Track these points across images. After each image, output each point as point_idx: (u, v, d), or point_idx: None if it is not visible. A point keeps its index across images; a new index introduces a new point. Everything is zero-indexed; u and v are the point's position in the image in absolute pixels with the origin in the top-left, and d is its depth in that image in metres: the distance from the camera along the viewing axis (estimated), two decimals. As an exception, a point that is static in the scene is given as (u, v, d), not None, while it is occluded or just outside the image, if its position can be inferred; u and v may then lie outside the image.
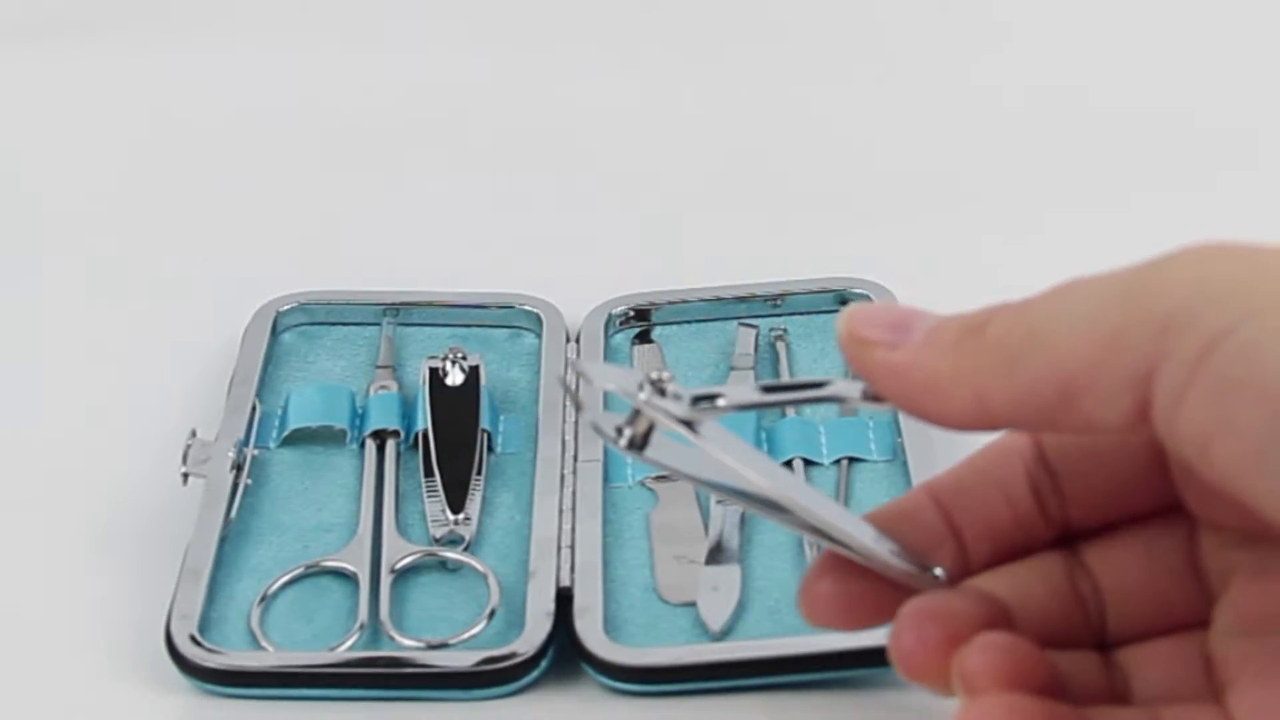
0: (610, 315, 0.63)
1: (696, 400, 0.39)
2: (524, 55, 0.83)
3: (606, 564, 0.53)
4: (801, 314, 0.63)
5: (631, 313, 0.63)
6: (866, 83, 0.81)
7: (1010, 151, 0.75)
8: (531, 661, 0.50)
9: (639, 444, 0.39)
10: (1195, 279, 0.33)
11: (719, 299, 0.64)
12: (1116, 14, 0.83)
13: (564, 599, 0.52)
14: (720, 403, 0.39)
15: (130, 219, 0.73)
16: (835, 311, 0.63)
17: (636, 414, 0.39)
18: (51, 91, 0.81)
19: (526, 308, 0.63)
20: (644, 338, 0.63)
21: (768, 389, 0.43)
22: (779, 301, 0.63)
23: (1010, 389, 0.35)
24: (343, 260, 0.69)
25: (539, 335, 0.63)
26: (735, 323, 0.63)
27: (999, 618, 0.39)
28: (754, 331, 0.62)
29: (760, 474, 0.39)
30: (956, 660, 0.37)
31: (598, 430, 0.40)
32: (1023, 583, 0.40)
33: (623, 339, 0.63)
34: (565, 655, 0.51)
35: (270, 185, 0.75)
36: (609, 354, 0.62)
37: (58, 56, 0.83)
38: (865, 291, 0.63)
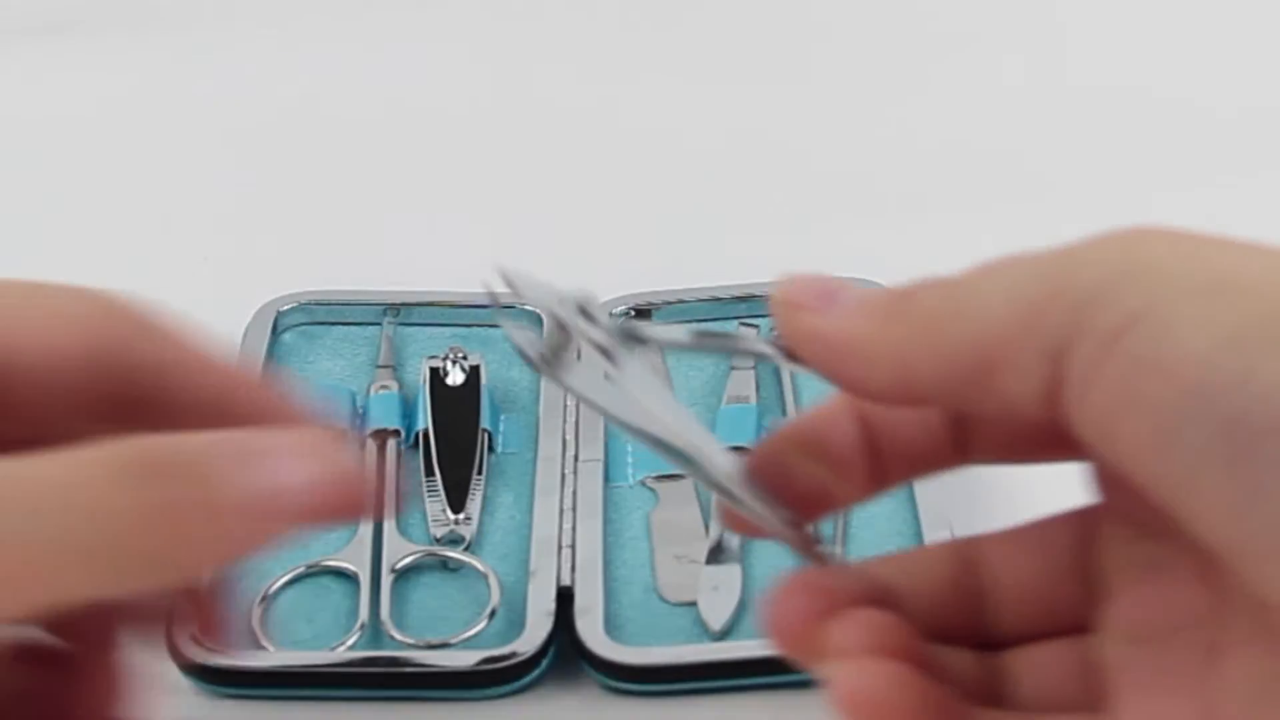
0: (610, 315, 0.63)
1: (622, 327, 0.38)
2: (525, 56, 0.83)
3: (607, 564, 0.53)
4: (801, 314, 0.63)
5: (631, 313, 0.63)
6: (867, 84, 0.81)
7: (1012, 151, 0.75)
8: (532, 661, 0.50)
9: (549, 360, 0.39)
10: (1120, 258, 0.33)
11: (719, 299, 0.64)
12: (1118, 13, 0.83)
13: (564, 599, 0.52)
14: (645, 333, 0.38)
15: (130, 219, 0.73)
16: (836, 311, 0.63)
17: (557, 331, 0.39)
18: (52, 91, 0.81)
19: (527, 307, 0.63)
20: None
21: (700, 335, 0.42)
22: (779, 301, 0.63)
23: (932, 359, 0.35)
24: (343, 260, 0.69)
25: (539, 335, 0.62)
26: (735, 323, 0.63)
27: (881, 599, 0.38)
28: (754, 331, 0.62)
29: (670, 421, 0.38)
30: (827, 632, 0.36)
31: (516, 348, 0.39)
32: (910, 572, 0.40)
33: (623, 339, 0.63)
34: (565, 655, 0.51)
35: (270, 185, 0.75)
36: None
37: (59, 56, 0.83)
38: (865, 291, 0.63)
